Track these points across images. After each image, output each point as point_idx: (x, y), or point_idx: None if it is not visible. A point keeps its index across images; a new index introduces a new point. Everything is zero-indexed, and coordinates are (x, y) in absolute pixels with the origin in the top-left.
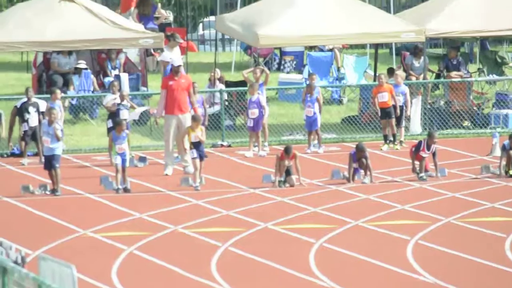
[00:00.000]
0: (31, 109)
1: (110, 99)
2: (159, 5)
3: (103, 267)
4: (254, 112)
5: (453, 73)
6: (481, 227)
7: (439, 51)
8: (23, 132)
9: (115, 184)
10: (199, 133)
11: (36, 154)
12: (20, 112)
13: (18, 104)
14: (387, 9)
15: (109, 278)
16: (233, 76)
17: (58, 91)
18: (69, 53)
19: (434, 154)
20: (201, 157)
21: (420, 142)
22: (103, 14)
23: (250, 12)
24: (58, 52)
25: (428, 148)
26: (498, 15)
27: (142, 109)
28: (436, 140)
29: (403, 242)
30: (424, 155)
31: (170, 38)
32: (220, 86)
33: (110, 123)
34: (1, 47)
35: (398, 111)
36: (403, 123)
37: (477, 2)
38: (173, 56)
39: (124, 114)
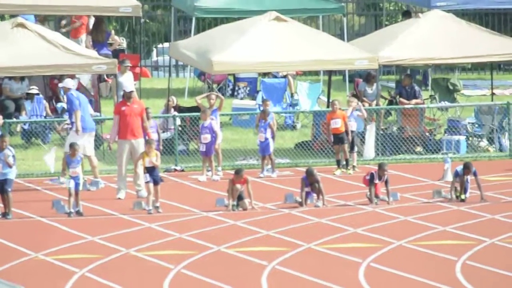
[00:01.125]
0: None
1: (64, 123)
2: (113, 31)
3: None
4: (206, 137)
5: (413, 101)
6: (432, 250)
7: (392, 78)
8: None
9: (67, 207)
10: (154, 159)
11: None
12: None
13: None
14: (341, 37)
15: None
16: (187, 101)
17: (7, 139)
18: (22, 78)
19: (386, 182)
20: (156, 181)
21: (372, 174)
22: (56, 40)
23: (203, 39)
24: (10, 78)
25: (380, 178)
26: (451, 43)
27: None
28: (386, 171)
29: (355, 264)
30: (376, 181)
31: (120, 64)
32: (174, 113)
33: (66, 148)
34: None
35: (350, 137)
36: (356, 148)
37: (430, 31)
38: (124, 81)
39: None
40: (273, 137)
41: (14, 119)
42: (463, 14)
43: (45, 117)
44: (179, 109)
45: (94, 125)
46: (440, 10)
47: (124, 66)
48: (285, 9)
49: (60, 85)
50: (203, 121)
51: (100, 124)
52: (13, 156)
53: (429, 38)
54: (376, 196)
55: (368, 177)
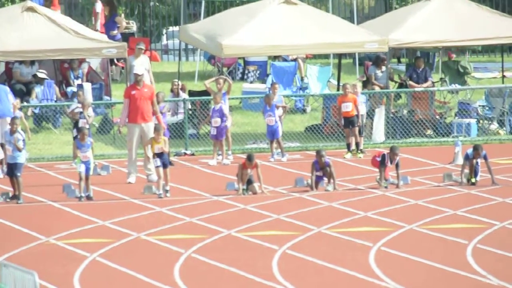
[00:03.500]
0: None
1: (75, 107)
2: (123, 15)
3: (65, 274)
4: (216, 121)
5: (425, 84)
6: (443, 233)
7: (403, 61)
8: None
9: (78, 191)
10: (163, 144)
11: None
12: None
13: None
14: (351, 20)
15: (72, 285)
16: (197, 85)
17: (17, 101)
18: (32, 62)
19: (397, 166)
20: (165, 165)
21: (384, 156)
22: (66, 24)
23: (213, 23)
24: (20, 62)
25: (391, 161)
26: (461, 26)
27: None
28: (398, 154)
29: (365, 248)
30: (388, 165)
31: (135, 47)
32: (183, 95)
33: (75, 132)
34: None
35: (360, 120)
36: (363, 133)
37: (440, 13)
38: (136, 65)
39: (84, 123)
40: (284, 111)
41: (25, 103)
42: None
43: (55, 101)
44: (189, 93)
45: (10, 112)
46: None
47: (138, 49)
48: None
49: None
50: (215, 104)
51: (110, 108)
52: (23, 140)
53: (439, 20)
54: (386, 180)
55: (379, 159)
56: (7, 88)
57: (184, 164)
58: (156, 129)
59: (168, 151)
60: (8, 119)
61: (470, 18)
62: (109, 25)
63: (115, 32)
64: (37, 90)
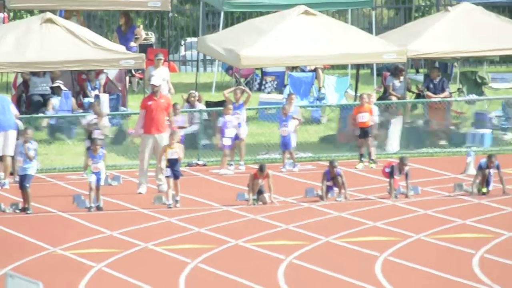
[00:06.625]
0: None
1: (91, 119)
2: (141, 26)
3: (70, 284)
4: (232, 132)
5: (442, 95)
6: (451, 243)
7: (421, 71)
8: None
9: (88, 202)
10: (176, 150)
11: (11, 174)
12: None
13: None
14: (369, 30)
15: None
16: (214, 96)
17: (30, 132)
18: (44, 72)
19: (407, 176)
20: (176, 176)
21: (392, 167)
22: (85, 35)
23: (232, 33)
24: (34, 74)
25: (400, 171)
26: (479, 36)
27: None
28: (406, 165)
29: (372, 258)
30: (396, 177)
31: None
32: (200, 106)
33: (88, 143)
34: None
35: (375, 131)
36: (375, 142)
37: (458, 24)
38: (155, 75)
39: (99, 134)
40: (297, 125)
41: (41, 114)
42: (492, 7)
43: (72, 112)
44: (206, 103)
45: (14, 124)
46: (469, 3)
47: (157, 60)
48: (314, 3)
49: None
50: (226, 115)
51: (126, 119)
52: (35, 150)
53: (457, 31)
54: (395, 189)
55: (388, 170)
56: (9, 98)
57: (195, 175)
58: (171, 134)
59: (182, 158)
60: (12, 132)
61: (489, 28)
62: (127, 36)
63: (132, 43)
64: (54, 101)
